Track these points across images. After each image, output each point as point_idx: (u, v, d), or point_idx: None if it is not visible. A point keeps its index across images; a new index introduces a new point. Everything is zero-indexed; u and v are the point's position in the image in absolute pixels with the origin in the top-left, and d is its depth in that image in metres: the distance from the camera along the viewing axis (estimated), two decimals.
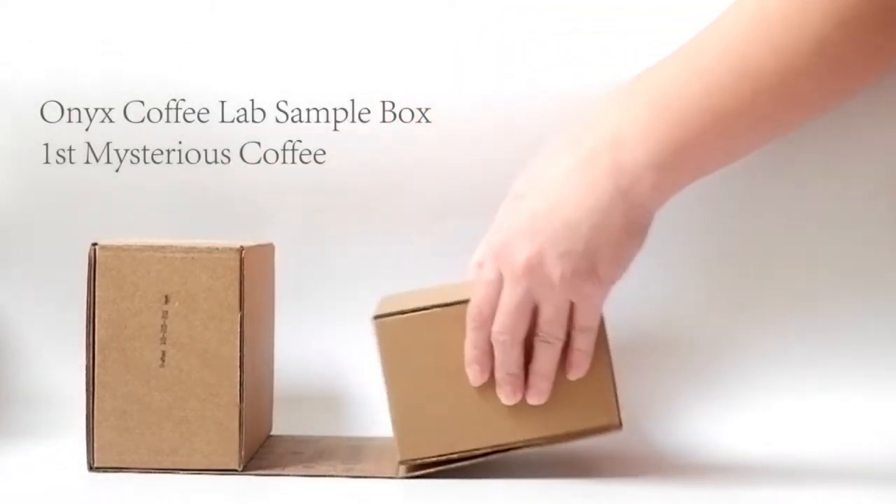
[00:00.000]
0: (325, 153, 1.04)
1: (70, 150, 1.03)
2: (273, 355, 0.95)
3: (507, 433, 0.82)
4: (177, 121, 1.03)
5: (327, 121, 1.04)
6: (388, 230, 1.03)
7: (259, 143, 1.04)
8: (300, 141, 1.04)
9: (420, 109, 1.03)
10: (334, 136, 1.03)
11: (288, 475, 0.83)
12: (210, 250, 0.83)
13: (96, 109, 1.03)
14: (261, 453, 0.88)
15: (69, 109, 1.03)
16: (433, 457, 0.82)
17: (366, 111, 1.03)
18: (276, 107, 1.04)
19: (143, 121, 1.03)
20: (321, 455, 0.88)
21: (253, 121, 1.04)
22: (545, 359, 0.81)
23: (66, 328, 0.93)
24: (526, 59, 1.03)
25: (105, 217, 1.02)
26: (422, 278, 1.02)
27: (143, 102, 1.03)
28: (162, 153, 1.03)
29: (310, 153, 1.04)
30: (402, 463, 0.83)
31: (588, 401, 0.82)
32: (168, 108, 1.03)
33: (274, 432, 0.95)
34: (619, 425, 0.83)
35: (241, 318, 0.82)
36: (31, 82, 1.03)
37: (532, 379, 0.82)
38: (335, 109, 1.04)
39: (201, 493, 0.80)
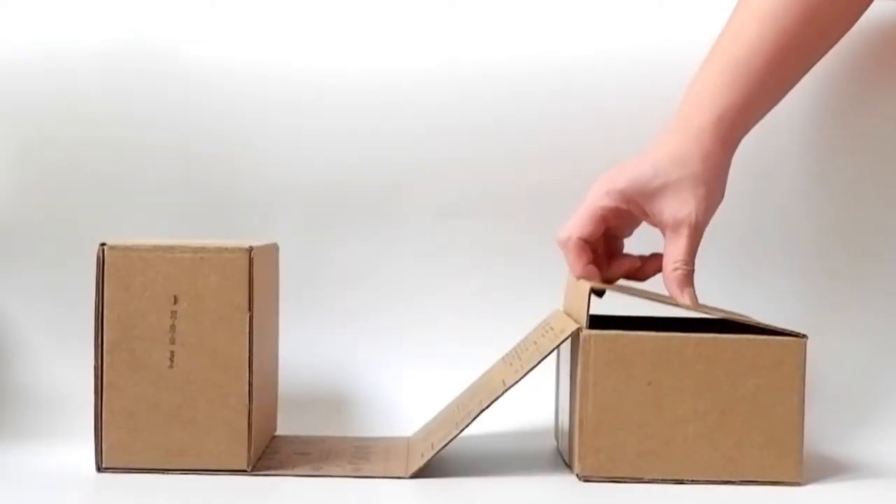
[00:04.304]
0: (326, 152, 1.04)
1: (71, 149, 1.03)
2: (277, 355, 0.95)
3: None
4: (179, 120, 1.03)
5: (328, 120, 1.04)
6: (388, 230, 1.03)
7: (261, 143, 1.04)
8: (301, 140, 1.04)
9: (422, 111, 1.04)
10: (334, 135, 1.04)
11: (296, 475, 0.83)
12: (219, 250, 0.83)
13: (98, 109, 1.03)
14: (267, 453, 0.88)
15: (70, 109, 1.03)
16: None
17: (367, 112, 1.04)
18: (278, 107, 1.04)
19: (144, 120, 1.03)
20: (328, 455, 0.88)
21: (255, 120, 1.04)
22: None
23: (74, 329, 0.92)
24: (528, 59, 1.04)
25: (107, 216, 1.02)
26: (423, 278, 1.03)
27: (145, 102, 1.03)
28: (164, 153, 1.03)
29: (311, 152, 1.04)
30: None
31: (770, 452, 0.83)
32: (170, 108, 1.03)
33: (277, 433, 0.95)
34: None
35: (251, 318, 0.82)
36: (32, 82, 1.03)
37: None
38: (336, 109, 1.04)
39: (210, 493, 0.79)
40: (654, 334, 0.82)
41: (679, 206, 0.86)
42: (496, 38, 1.04)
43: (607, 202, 0.87)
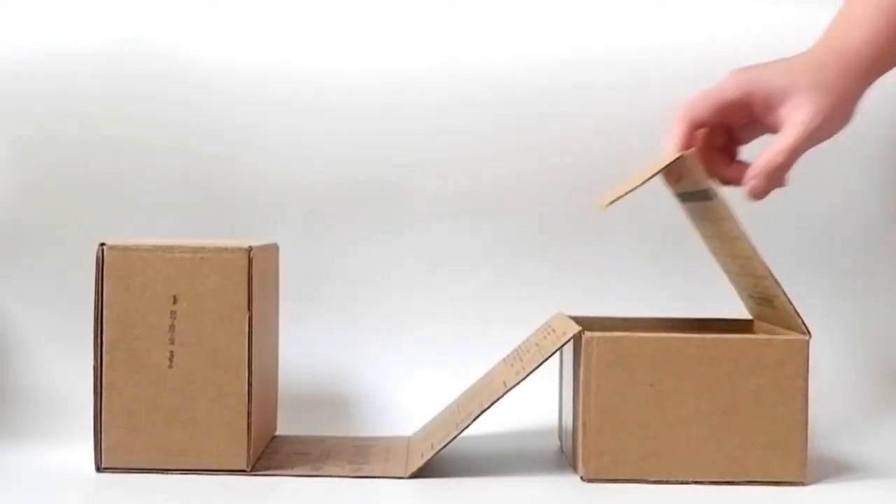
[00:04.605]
0: (326, 152, 1.04)
1: (71, 149, 1.03)
2: (277, 355, 0.95)
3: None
4: (179, 120, 1.03)
5: (328, 120, 1.04)
6: (388, 230, 1.03)
7: (261, 143, 1.04)
8: (301, 140, 1.04)
9: (422, 111, 1.04)
10: (334, 135, 1.04)
11: (296, 475, 0.83)
12: (219, 250, 0.82)
13: (98, 109, 1.03)
14: (267, 454, 0.88)
15: (70, 109, 1.03)
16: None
17: (367, 112, 1.04)
18: (278, 107, 1.04)
19: (144, 120, 1.03)
20: (328, 455, 0.88)
21: (255, 120, 1.04)
22: None
23: (74, 329, 0.92)
24: (528, 59, 1.04)
25: (107, 216, 1.02)
26: (423, 278, 1.03)
27: (145, 102, 1.03)
28: (164, 153, 1.03)
29: (311, 152, 1.04)
30: None
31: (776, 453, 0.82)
32: (170, 108, 1.03)
33: (277, 433, 0.95)
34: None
35: (250, 318, 0.82)
36: (32, 82, 1.03)
37: None
38: (336, 109, 1.04)
39: (210, 493, 0.79)
40: (656, 336, 0.82)
41: (800, 105, 0.84)
42: (496, 38, 1.04)
43: (731, 90, 0.85)
